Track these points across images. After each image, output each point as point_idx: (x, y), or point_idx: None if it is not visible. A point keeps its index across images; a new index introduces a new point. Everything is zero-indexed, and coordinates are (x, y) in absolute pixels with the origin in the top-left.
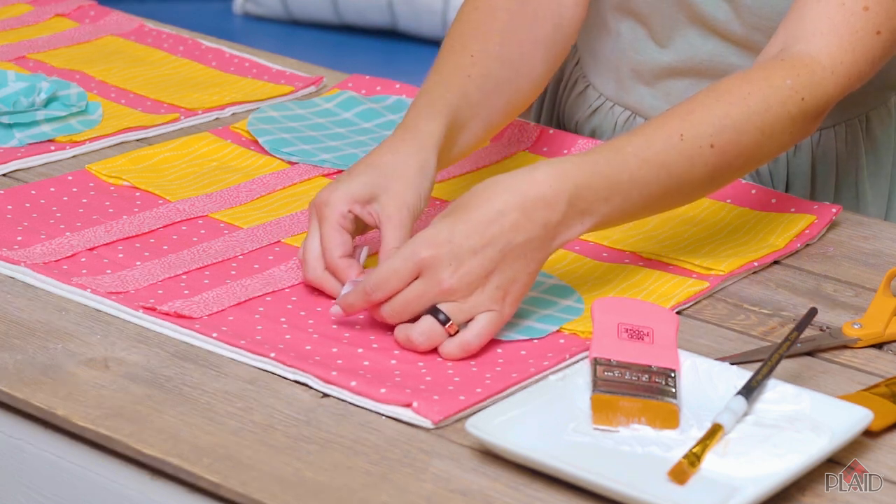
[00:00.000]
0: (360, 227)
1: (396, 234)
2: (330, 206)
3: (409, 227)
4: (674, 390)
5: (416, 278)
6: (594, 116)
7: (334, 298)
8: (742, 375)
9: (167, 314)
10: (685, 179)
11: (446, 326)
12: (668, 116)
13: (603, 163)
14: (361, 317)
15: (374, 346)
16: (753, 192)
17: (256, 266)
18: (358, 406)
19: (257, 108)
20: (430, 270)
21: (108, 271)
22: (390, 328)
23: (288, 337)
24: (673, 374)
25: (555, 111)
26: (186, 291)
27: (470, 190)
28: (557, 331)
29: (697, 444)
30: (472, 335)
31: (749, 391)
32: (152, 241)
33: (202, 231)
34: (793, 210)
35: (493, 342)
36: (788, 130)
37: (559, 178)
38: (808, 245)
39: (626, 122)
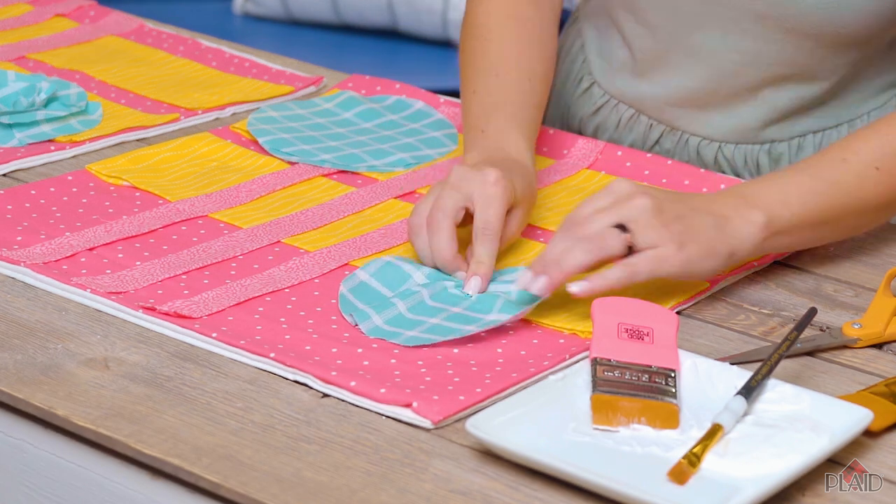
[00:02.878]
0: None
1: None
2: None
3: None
4: (674, 390)
5: None
6: (598, 113)
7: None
8: (742, 375)
9: (167, 314)
10: (858, 198)
11: (625, 235)
12: (826, 149)
13: (769, 175)
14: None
15: (374, 346)
16: None
17: (256, 266)
18: (358, 406)
19: (257, 108)
20: (624, 194)
21: (108, 271)
22: None
23: (288, 337)
24: (673, 374)
25: (559, 108)
26: (186, 291)
27: None
28: (557, 330)
29: (697, 444)
30: (643, 253)
31: (749, 391)
32: (152, 241)
33: (202, 231)
34: None
35: (493, 342)
36: None
37: (729, 188)
38: None
39: (630, 119)
